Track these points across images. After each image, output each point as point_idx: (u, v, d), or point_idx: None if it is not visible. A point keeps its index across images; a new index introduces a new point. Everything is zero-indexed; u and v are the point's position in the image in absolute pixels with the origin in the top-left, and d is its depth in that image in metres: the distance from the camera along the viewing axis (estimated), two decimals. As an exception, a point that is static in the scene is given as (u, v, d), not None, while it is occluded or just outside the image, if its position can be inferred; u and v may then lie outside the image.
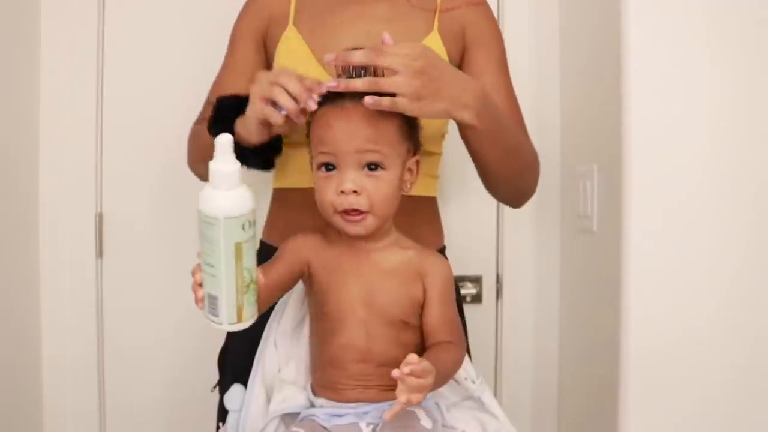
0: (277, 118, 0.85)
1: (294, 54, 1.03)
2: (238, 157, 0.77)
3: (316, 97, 0.84)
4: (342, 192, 0.84)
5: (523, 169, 1.04)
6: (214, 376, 1.10)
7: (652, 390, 1.10)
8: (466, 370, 0.95)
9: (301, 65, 0.99)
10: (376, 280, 0.89)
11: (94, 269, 1.50)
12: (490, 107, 0.92)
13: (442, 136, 1.09)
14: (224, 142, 0.72)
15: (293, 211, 1.04)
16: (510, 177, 1.01)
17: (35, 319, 1.47)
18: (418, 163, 0.92)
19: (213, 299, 0.75)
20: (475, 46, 1.06)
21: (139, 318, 1.50)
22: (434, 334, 0.89)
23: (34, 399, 1.47)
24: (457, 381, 0.94)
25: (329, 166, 0.86)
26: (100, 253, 1.50)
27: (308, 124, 0.90)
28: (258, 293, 0.79)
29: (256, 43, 1.09)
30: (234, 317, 0.77)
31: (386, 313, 0.89)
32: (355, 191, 0.84)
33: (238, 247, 0.73)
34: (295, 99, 0.84)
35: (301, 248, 0.91)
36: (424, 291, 0.90)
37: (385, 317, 0.89)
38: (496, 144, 0.94)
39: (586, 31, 1.33)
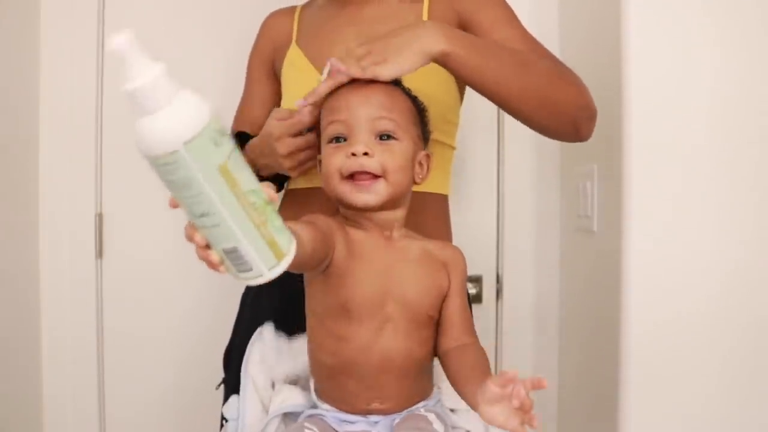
0: (304, 155, 0.94)
1: (295, 68, 1.07)
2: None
3: (308, 110, 0.88)
4: (353, 154, 0.79)
5: (542, 82, 0.93)
6: (215, 374, 1.10)
7: (652, 389, 1.10)
8: None
9: (301, 75, 1.05)
10: (405, 269, 0.84)
11: (94, 269, 1.50)
12: (461, 33, 0.89)
13: (451, 123, 1.08)
14: (122, 47, 0.49)
15: (304, 211, 1.04)
16: (531, 96, 0.92)
17: (35, 319, 1.47)
18: (428, 157, 0.89)
19: (233, 252, 0.57)
20: (473, 15, 1.03)
21: (139, 318, 1.51)
22: (455, 328, 0.86)
23: (34, 399, 1.47)
24: None
25: (340, 139, 0.82)
26: (100, 253, 1.50)
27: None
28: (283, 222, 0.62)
29: (267, 71, 1.16)
30: (271, 256, 0.59)
31: (415, 307, 0.84)
32: (366, 153, 0.80)
33: (224, 171, 0.53)
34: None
35: (331, 224, 0.82)
36: (449, 282, 0.87)
37: (413, 311, 0.84)
38: (488, 63, 0.89)
39: (585, 31, 1.33)
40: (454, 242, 1.11)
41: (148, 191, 1.50)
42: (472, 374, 0.78)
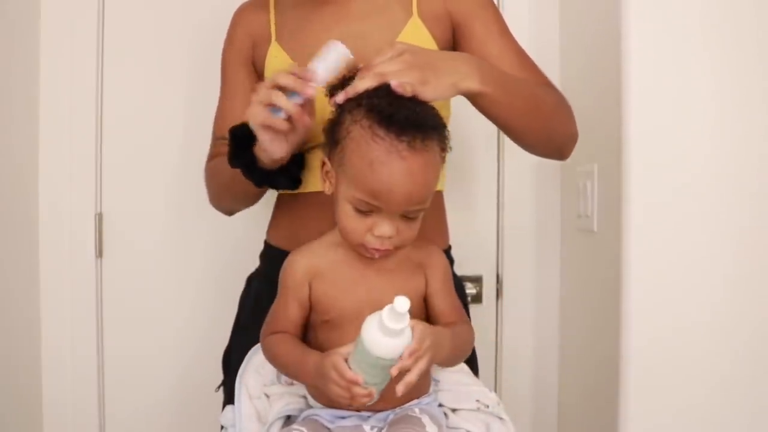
0: (277, 122, 0.85)
1: (279, 68, 1.02)
2: (262, 180, 0.90)
3: (313, 85, 0.85)
4: (379, 235, 0.81)
5: (549, 116, 1.00)
6: (215, 375, 1.10)
7: (652, 390, 1.10)
8: (480, 400, 0.94)
9: None
10: (381, 279, 0.87)
11: (94, 269, 1.50)
12: (491, 69, 0.92)
13: (444, 118, 1.08)
14: (400, 309, 0.74)
15: (298, 215, 1.04)
16: (539, 129, 1.00)
17: (35, 319, 1.47)
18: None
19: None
20: (467, 19, 1.03)
21: (139, 318, 1.50)
22: (443, 319, 0.90)
23: (34, 399, 1.47)
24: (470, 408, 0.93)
25: (366, 211, 0.82)
26: (100, 252, 1.50)
27: (331, 124, 0.86)
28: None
29: (247, 67, 1.11)
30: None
31: None
32: (390, 237, 0.82)
33: None
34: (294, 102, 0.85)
35: (302, 279, 0.88)
36: (426, 282, 0.90)
37: None
38: (512, 102, 0.94)
39: (586, 31, 1.33)
40: (454, 242, 1.12)
41: (148, 191, 1.51)
42: None
